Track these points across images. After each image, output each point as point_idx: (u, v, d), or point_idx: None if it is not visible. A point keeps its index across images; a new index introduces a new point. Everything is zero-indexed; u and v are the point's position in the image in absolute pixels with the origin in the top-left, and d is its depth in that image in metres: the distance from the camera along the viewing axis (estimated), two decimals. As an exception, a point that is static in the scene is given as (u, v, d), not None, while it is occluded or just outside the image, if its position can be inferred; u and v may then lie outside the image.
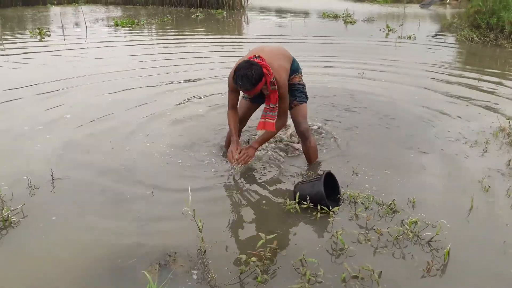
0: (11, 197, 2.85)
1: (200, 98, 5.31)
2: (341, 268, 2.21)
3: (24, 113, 4.65)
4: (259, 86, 2.85)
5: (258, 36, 11.40)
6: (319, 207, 2.71)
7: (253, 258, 2.21)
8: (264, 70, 2.87)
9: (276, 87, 2.98)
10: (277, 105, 3.06)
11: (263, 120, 3.12)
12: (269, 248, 2.30)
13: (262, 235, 2.35)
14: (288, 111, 3.25)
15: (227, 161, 3.39)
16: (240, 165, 3.16)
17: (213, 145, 3.83)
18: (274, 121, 3.10)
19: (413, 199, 2.85)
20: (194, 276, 2.16)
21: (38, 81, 5.95)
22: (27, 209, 2.72)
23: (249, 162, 3.24)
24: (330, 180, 2.89)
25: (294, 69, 3.33)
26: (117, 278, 2.17)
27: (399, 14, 17.47)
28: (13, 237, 2.48)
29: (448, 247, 2.28)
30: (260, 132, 3.50)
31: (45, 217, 2.69)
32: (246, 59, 2.94)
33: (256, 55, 2.96)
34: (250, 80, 2.77)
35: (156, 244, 2.43)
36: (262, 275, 2.14)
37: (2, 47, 8.91)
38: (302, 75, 3.43)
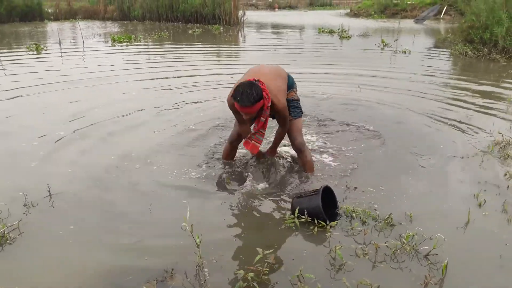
0: (7, 213, 2.84)
1: (197, 115, 5.34)
2: (339, 283, 2.21)
3: (20, 128, 4.65)
4: (257, 106, 2.89)
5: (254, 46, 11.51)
6: (316, 221, 2.71)
7: (251, 274, 2.21)
8: (264, 94, 2.92)
9: (267, 114, 3.08)
10: (263, 131, 3.22)
11: (250, 141, 3.26)
12: (266, 263, 2.30)
13: (260, 250, 2.35)
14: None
15: (225, 177, 3.41)
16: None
17: (212, 159, 3.83)
18: (259, 144, 3.28)
19: (410, 214, 2.86)
20: (192, 293, 2.16)
21: (31, 93, 5.97)
22: (23, 225, 2.71)
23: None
24: (327, 195, 2.90)
25: (289, 85, 3.41)
26: (114, 295, 2.16)
27: (394, 29, 17.69)
28: (9, 254, 2.47)
29: (446, 261, 2.29)
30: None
31: (42, 234, 2.68)
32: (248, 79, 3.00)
33: (256, 79, 3.00)
34: (249, 97, 2.81)
35: (154, 260, 2.43)
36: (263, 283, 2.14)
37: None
38: (297, 91, 3.51)
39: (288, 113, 3.35)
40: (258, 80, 2.99)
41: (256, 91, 2.83)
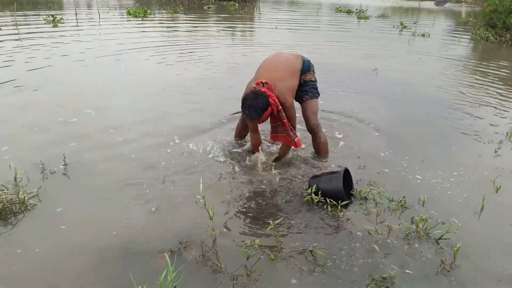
0: (27, 181, 2.90)
1: (210, 89, 5.33)
2: (349, 263, 2.24)
3: (37, 101, 4.71)
4: (265, 115, 3.00)
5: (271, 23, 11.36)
6: (328, 200, 2.73)
7: (257, 241, 2.25)
8: (271, 100, 2.98)
9: (283, 114, 3.11)
10: (287, 128, 3.20)
11: (275, 134, 3.29)
12: (279, 234, 2.33)
13: (271, 221, 2.38)
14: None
15: (239, 153, 3.43)
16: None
17: (226, 136, 3.85)
18: (285, 136, 3.26)
19: (424, 199, 2.85)
20: (204, 264, 2.20)
21: (49, 68, 6.01)
22: (42, 193, 2.77)
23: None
24: (345, 176, 2.90)
25: (305, 69, 3.42)
26: (128, 263, 2.21)
27: (414, 10, 17.29)
28: (30, 220, 2.53)
29: (458, 246, 2.29)
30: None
31: (60, 201, 2.74)
32: (253, 88, 3.05)
33: (263, 81, 3.05)
34: (256, 110, 2.93)
35: (168, 231, 2.47)
36: (274, 254, 2.21)
37: (17, 31, 8.98)
38: (314, 73, 3.48)
39: (306, 92, 3.39)
40: (266, 83, 3.05)
41: (261, 102, 2.93)
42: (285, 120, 3.13)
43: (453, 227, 2.46)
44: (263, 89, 3.01)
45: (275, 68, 3.26)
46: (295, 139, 3.22)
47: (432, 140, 3.95)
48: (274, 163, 3.37)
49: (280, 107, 3.07)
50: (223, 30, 11.38)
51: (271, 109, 3.03)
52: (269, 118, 3.21)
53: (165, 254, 2.24)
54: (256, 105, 2.92)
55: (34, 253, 2.27)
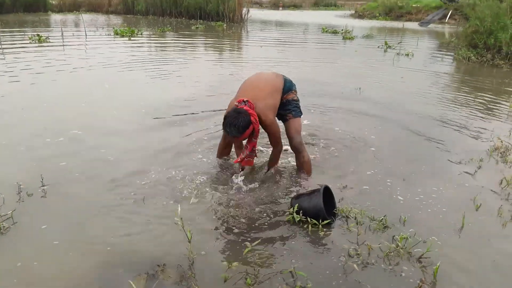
0: (2, 203, 2.83)
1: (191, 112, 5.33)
2: (331, 283, 2.21)
3: (16, 121, 4.65)
4: (246, 133, 3.01)
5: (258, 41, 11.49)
6: (309, 220, 2.70)
7: (235, 263, 2.22)
8: (252, 118, 3.00)
9: (255, 136, 3.15)
10: (254, 152, 3.28)
11: (242, 158, 3.28)
12: (257, 256, 2.30)
13: (248, 243, 2.34)
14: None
15: (220, 172, 3.41)
16: (236, 179, 3.26)
17: (208, 156, 3.82)
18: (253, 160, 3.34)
19: (405, 218, 2.84)
20: (182, 287, 2.15)
21: (27, 89, 5.96)
22: (17, 215, 2.71)
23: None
24: (326, 195, 2.89)
25: (287, 89, 3.44)
26: (105, 287, 2.15)
27: (398, 31, 17.67)
28: (2, 244, 2.46)
29: (438, 264, 2.28)
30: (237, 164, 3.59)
31: (35, 224, 2.67)
32: (234, 106, 3.08)
33: (245, 100, 3.07)
34: (237, 128, 2.94)
35: (146, 253, 2.42)
36: (252, 278, 2.18)
37: (1, 52, 8.93)
38: (296, 92, 3.52)
39: (289, 111, 3.40)
40: (247, 101, 3.07)
41: (243, 121, 2.94)
42: (255, 140, 3.19)
43: (433, 246, 2.45)
44: (245, 107, 3.02)
45: (256, 87, 3.29)
46: (246, 159, 3.27)
47: (413, 158, 3.97)
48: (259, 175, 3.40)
49: (259, 128, 3.09)
50: (210, 49, 11.46)
51: (253, 127, 3.03)
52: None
53: (142, 277, 2.19)
54: (238, 123, 2.92)
55: (5, 277, 2.19)
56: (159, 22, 18.23)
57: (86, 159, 3.67)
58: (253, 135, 3.15)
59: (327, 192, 2.90)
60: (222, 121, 3.03)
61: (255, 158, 3.41)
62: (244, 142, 3.29)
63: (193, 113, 5.14)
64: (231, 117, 2.95)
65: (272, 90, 3.31)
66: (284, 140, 3.54)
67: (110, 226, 2.70)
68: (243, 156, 3.26)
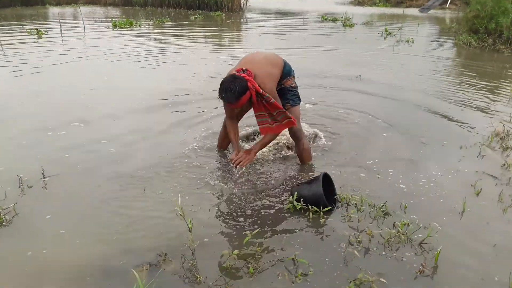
0: (3, 196, 2.85)
1: (190, 100, 5.32)
2: (332, 270, 2.22)
3: (17, 114, 4.66)
4: (243, 99, 2.88)
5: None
6: (310, 207, 2.71)
7: (235, 252, 2.23)
8: (249, 84, 2.89)
9: (267, 95, 2.99)
10: (276, 112, 3.08)
11: (265, 125, 3.14)
12: (258, 245, 2.32)
13: (248, 232, 2.36)
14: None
15: (220, 162, 3.41)
16: (239, 168, 3.16)
17: (207, 146, 3.83)
18: (277, 124, 3.13)
19: (405, 204, 2.84)
20: (184, 276, 2.17)
21: (30, 82, 5.95)
22: (19, 208, 2.72)
23: (247, 165, 3.23)
24: (326, 182, 2.89)
25: (286, 72, 3.33)
26: (108, 278, 2.17)
27: (398, 17, 17.52)
28: (5, 236, 2.48)
29: (439, 249, 2.28)
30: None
31: (36, 216, 2.69)
32: (233, 73, 2.98)
33: (244, 68, 2.99)
34: (233, 93, 2.82)
35: (147, 243, 2.44)
36: (254, 266, 2.19)
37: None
38: (294, 78, 3.45)
39: (287, 100, 3.33)
40: (246, 70, 2.98)
41: (239, 86, 2.83)
42: (272, 100, 3.01)
43: (434, 231, 2.46)
44: (242, 75, 2.93)
45: (255, 60, 3.19)
46: (284, 122, 3.11)
47: (413, 144, 3.96)
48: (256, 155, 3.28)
49: (262, 91, 2.97)
50: (209, 38, 11.40)
51: (250, 93, 2.92)
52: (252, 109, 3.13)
53: (144, 267, 2.21)
54: (234, 88, 2.82)
55: (6, 271, 2.21)
56: (157, 13, 18.11)
57: (86, 151, 3.68)
58: (265, 99, 3.00)
59: (326, 179, 2.90)
60: (219, 87, 2.92)
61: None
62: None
63: (192, 103, 5.13)
64: (227, 82, 2.86)
65: (272, 63, 3.23)
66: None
67: (112, 216, 2.71)
68: (275, 127, 3.12)
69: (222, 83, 2.89)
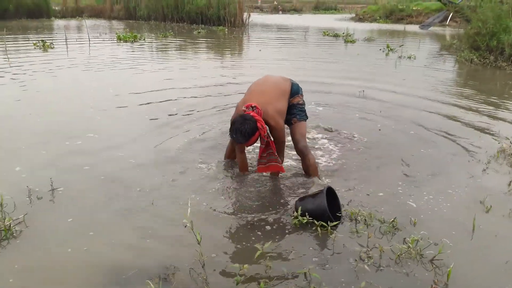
0: (13, 207, 2.84)
1: (195, 111, 5.35)
2: (345, 285, 2.21)
3: (22, 124, 4.68)
4: (252, 140, 3.04)
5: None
6: (317, 222, 2.70)
7: (246, 266, 2.22)
8: (258, 124, 3.02)
9: (271, 139, 3.18)
10: (266, 153, 3.27)
11: (265, 165, 3.32)
12: (268, 258, 2.31)
13: (259, 246, 2.34)
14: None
15: (228, 174, 3.43)
16: None
17: (215, 157, 3.83)
18: (277, 163, 3.30)
19: (415, 220, 2.83)
20: (195, 291, 2.15)
21: (37, 94, 5.99)
22: (29, 219, 2.72)
23: None
24: (330, 197, 2.89)
25: (294, 92, 3.48)
26: (117, 291, 2.16)
27: (399, 34, 17.69)
28: (15, 247, 2.47)
29: (451, 266, 2.27)
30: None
31: (46, 228, 2.68)
32: (242, 111, 3.11)
33: (253, 105, 3.10)
34: (243, 135, 2.97)
35: (157, 256, 2.43)
36: (264, 281, 2.17)
37: (6, 58, 8.97)
38: (302, 96, 3.56)
39: (294, 115, 3.43)
40: (254, 107, 3.09)
41: (249, 127, 2.96)
42: (271, 141, 3.19)
43: (445, 248, 2.45)
44: (251, 113, 3.04)
45: (264, 91, 3.30)
46: (267, 164, 3.30)
47: (421, 161, 3.97)
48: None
49: (267, 132, 3.11)
50: (212, 53, 11.50)
51: (259, 133, 3.05)
52: (259, 147, 3.23)
53: (153, 281, 2.19)
54: (244, 129, 2.96)
55: (17, 283, 2.20)
56: (161, 27, 18.31)
57: (95, 163, 3.68)
58: (268, 139, 3.16)
59: (330, 193, 2.90)
60: (229, 127, 3.06)
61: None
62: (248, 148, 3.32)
63: (198, 112, 5.19)
64: (237, 123, 2.98)
65: (280, 94, 3.34)
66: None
67: (121, 229, 2.71)
68: (278, 164, 3.29)
69: (232, 124, 3.04)
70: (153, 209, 2.96)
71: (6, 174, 3.42)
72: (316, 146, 4.18)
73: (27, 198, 3.01)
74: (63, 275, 2.28)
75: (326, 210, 2.70)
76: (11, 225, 2.58)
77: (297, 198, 3.13)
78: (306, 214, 2.74)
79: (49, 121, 4.82)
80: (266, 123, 3.14)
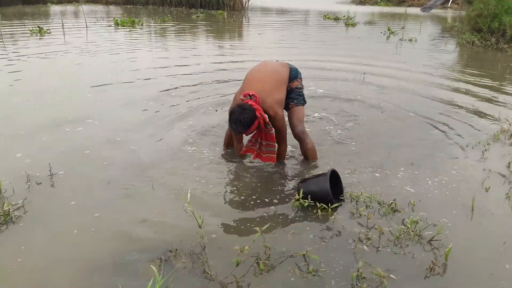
0: (12, 192, 2.85)
1: (199, 98, 5.32)
2: (343, 266, 2.22)
3: (21, 111, 4.66)
4: (251, 129, 3.03)
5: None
6: (319, 204, 2.70)
7: (246, 247, 2.22)
8: (257, 113, 3.00)
9: (270, 126, 3.15)
10: (275, 144, 3.26)
11: (259, 153, 3.32)
12: (268, 240, 2.32)
13: (258, 228, 2.35)
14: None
15: (228, 158, 3.42)
16: None
17: (214, 142, 3.83)
18: (274, 155, 3.30)
19: (414, 202, 2.84)
20: (195, 272, 2.17)
21: (36, 80, 5.96)
22: (28, 204, 2.72)
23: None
24: (333, 179, 2.89)
25: (293, 77, 3.44)
26: (118, 273, 2.17)
27: (400, 17, 17.51)
28: (15, 232, 2.48)
29: (449, 247, 2.28)
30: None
31: (46, 212, 2.69)
32: (240, 100, 3.08)
33: (251, 93, 3.06)
34: (243, 124, 2.96)
35: (158, 239, 2.44)
36: (264, 263, 2.18)
37: (2, 44, 8.90)
38: (301, 80, 3.52)
39: (291, 100, 3.41)
40: (252, 95, 3.05)
41: (248, 116, 2.95)
42: (272, 131, 3.17)
43: (444, 229, 2.46)
44: (250, 102, 3.01)
45: (262, 79, 3.26)
46: (265, 155, 3.30)
47: (420, 142, 3.96)
48: None
49: (267, 120, 3.09)
50: (211, 37, 11.39)
51: (258, 122, 3.03)
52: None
53: (155, 263, 2.21)
54: (243, 119, 2.94)
55: (20, 265, 2.21)
56: (159, 12, 18.12)
57: (96, 148, 3.68)
58: (267, 128, 3.15)
59: (334, 176, 2.90)
60: (228, 116, 3.05)
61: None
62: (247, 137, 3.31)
63: (198, 98, 5.16)
64: (236, 113, 2.97)
65: (278, 82, 3.30)
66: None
67: (122, 213, 2.72)
68: (261, 148, 3.29)
69: (231, 114, 3.01)
70: (154, 193, 2.96)
71: (7, 160, 3.42)
72: (315, 129, 4.16)
73: (28, 184, 3.01)
74: (62, 258, 2.29)
75: (328, 193, 2.70)
76: (10, 211, 2.59)
77: (297, 181, 3.13)
78: (308, 196, 2.75)
79: (48, 107, 4.80)
80: (265, 113, 3.12)
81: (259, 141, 3.28)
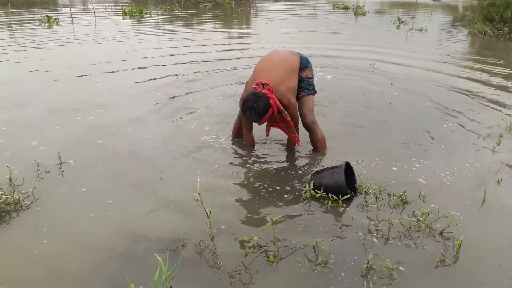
0: (22, 181, 2.86)
1: (205, 90, 5.30)
2: (352, 258, 2.20)
3: (32, 100, 4.67)
4: (266, 117, 3.00)
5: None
6: (330, 196, 2.68)
7: (255, 238, 2.21)
8: (271, 101, 2.98)
9: (286, 113, 3.11)
10: (286, 126, 3.24)
11: (277, 124, 3.31)
12: (278, 231, 2.31)
13: (268, 218, 2.34)
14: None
15: (237, 149, 3.40)
16: None
17: (223, 132, 3.81)
18: (297, 136, 3.31)
19: (424, 193, 2.80)
20: (203, 262, 2.16)
21: (47, 69, 5.97)
22: (38, 192, 2.73)
23: None
24: (347, 171, 2.86)
25: (303, 66, 3.41)
26: (127, 262, 2.17)
27: (411, 5, 17.25)
28: (24, 220, 2.49)
29: (461, 239, 2.25)
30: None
31: (55, 201, 2.70)
32: (253, 89, 3.05)
33: (263, 82, 3.03)
34: (257, 112, 2.93)
35: (166, 229, 2.44)
36: (273, 253, 2.17)
37: (11, 33, 8.92)
38: (312, 69, 3.48)
39: (302, 89, 3.39)
40: (265, 84, 3.02)
41: (262, 104, 2.93)
42: (289, 118, 3.13)
43: (455, 221, 2.42)
44: (263, 91, 2.98)
45: (274, 67, 3.23)
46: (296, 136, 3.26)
47: (431, 134, 3.91)
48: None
49: (282, 108, 3.06)
50: (219, 25, 11.32)
51: (272, 110, 3.01)
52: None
53: (163, 253, 2.21)
54: (258, 107, 2.91)
55: (30, 254, 2.23)
56: (167, 1, 18.02)
57: (107, 137, 3.69)
58: (282, 115, 3.12)
59: (347, 168, 2.87)
60: (240, 104, 3.02)
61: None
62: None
63: (206, 88, 5.14)
64: (251, 101, 2.93)
65: (290, 71, 3.27)
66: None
67: (130, 202, 2.72)
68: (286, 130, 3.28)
69: (245, 102, 2.98)
70: (163, 183, 2.96)
71: (22, 149, 3.43)
72: (324, 119, 4.13)
73: (40, 172, 3.03)
74: (72, 247, 2.30)
75: (344, 187, 2.68)
76: (20, 199, 2.60)
77: (307, 170, 3.11)
78: (321, 188, 2.72)
79: (58, 96, 4.80)
80: (279, 101, 3.08)
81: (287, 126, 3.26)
